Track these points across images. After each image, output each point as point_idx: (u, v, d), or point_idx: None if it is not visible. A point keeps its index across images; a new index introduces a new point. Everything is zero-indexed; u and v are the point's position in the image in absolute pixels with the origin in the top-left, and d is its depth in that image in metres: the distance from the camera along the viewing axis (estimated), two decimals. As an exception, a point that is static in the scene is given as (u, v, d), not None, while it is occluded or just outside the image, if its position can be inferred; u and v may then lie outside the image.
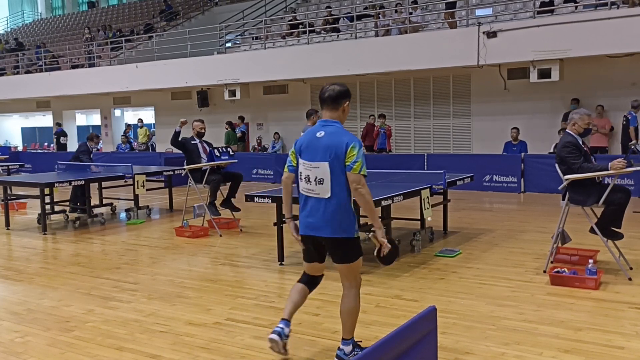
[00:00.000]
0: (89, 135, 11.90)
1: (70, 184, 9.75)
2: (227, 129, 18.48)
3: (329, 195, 3.93)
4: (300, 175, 4.07)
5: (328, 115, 4.06)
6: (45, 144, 31.44)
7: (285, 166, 4.23)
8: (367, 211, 4.00)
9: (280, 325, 4.21)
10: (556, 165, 6.17)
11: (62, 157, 15.54)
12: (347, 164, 3.87)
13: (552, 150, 13.25)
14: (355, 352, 4.10)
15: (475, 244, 7.77)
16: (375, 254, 4.16)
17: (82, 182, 9.89)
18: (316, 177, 3.95)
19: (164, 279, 6.53)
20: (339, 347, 4.14)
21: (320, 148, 3.94)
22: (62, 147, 21.98)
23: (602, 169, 5.87)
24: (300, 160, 4.07)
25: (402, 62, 14.87)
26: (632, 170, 5.84)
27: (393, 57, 14.93)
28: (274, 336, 4.15)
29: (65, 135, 22.37)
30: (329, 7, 19.42)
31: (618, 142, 13.48)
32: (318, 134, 3.99)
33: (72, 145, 25.31)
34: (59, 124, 23.06)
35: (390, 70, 15.37)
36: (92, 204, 10.56)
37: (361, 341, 4.25)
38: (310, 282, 4.35)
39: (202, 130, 9.37)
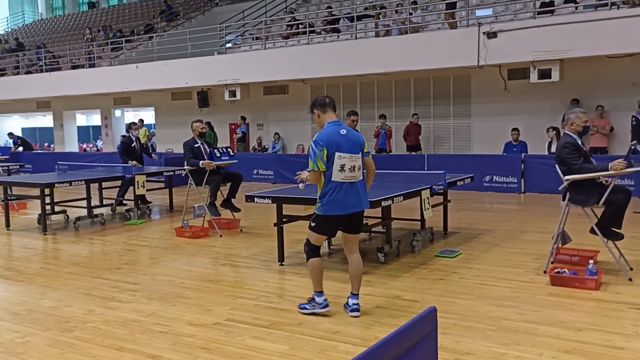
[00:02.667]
0: (128, 124, 12.00)
1: (70, 184, 9.76)
2: (203, 128, 18.54)
3: (362, 178, 5.00)
4: (343, 167, 4.84)
5: (334, 116, 5.04)
6: (46, 144, 31.45)
7: (319, 163, 4.87)
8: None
9: (323, 298, 5.15)
10: (556, 165, 6.17)
11: (60, 157, 15.52)
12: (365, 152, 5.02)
13: (547, 151, 13.24)
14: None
15: (476, 245, 7.77)
16: None
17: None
18: (357, 165, 4.91)
19: (164, 279, 6.53)
20: (353, 303, 5.08)
21: (351, 142, 4.91)
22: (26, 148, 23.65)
23: (602, 170, 5.87)
24: (341, 154, 4.84)
25: (402, 63, 14.86)
26: (633, 171, 5.84)
27: (393, 58, 14.93)
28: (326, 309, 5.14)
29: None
30: (329, 7, 19.42)
31: (618, 142, 13.48)
32: (342, 132, 4.92)
33: (70, 145, 25.39)
34: (11, 134, 24.31)
35: (391, 70, 15.37)
36: (92, 204, 10.60)
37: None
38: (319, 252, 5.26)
39: (203, 131, 9.37)
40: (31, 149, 24.22)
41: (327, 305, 5.11)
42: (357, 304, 5.07)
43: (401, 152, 16.26)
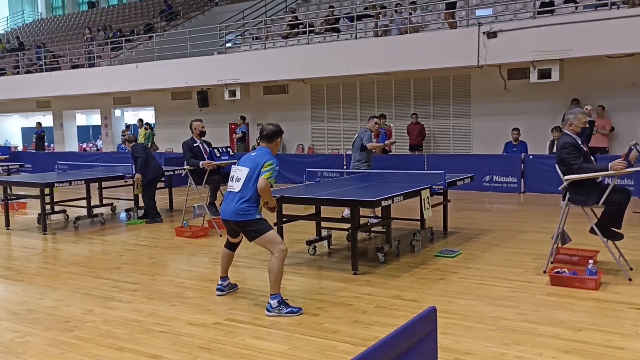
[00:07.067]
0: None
1: (70, 184, 9.76)
2: (145, 129, 18.97)
3: (238, 190, 5.27)
4: (230, 177, 5.45)
5: (264, 145, 5.47)
6: (46, 143, 31.41)
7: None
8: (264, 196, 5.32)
9: (220, 282, 5.83)
10: (556, 165, 6.17)
11: (60, 157, 15.54)
12: (262, 171, 5.22)
13: (548, 151, 13.22)
14: (280, 308, 5.17)
15: (475, 244, 7.77)
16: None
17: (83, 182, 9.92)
18: (237, 177, 5.33)
19: (163, 279, 6.53)
20: (267, 302, 5.23)
21: (249, 160, 5.37)
22: (42, 146, 24.13)
23: (602, 169, 5.87)
24: (233, 166, 5.51)
25: (402, 62, 14.86)
26: (632, 171, 5.84)
27: (393, 57, 14.93)
28: (220, 293, 5.81)
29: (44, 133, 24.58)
30: (330, 7, 19.41)
31: (619, 142, 13.47)
32: (253, 153, 5.46)
33: (70, 144, 25.38)
34: (39, 124, 24.42)
35: (390, 70, 15.36)
36: (92, 204, 10.59)
37: (287, 299, 5.32)
38: (233, 247, 5.84)
39: (203, 130, 9.36)
40: (44, 148, 24.38)
41: (218, 289, 5.80)
42: (269, 303, 5.19)
43: (401, 152, 16.25)
